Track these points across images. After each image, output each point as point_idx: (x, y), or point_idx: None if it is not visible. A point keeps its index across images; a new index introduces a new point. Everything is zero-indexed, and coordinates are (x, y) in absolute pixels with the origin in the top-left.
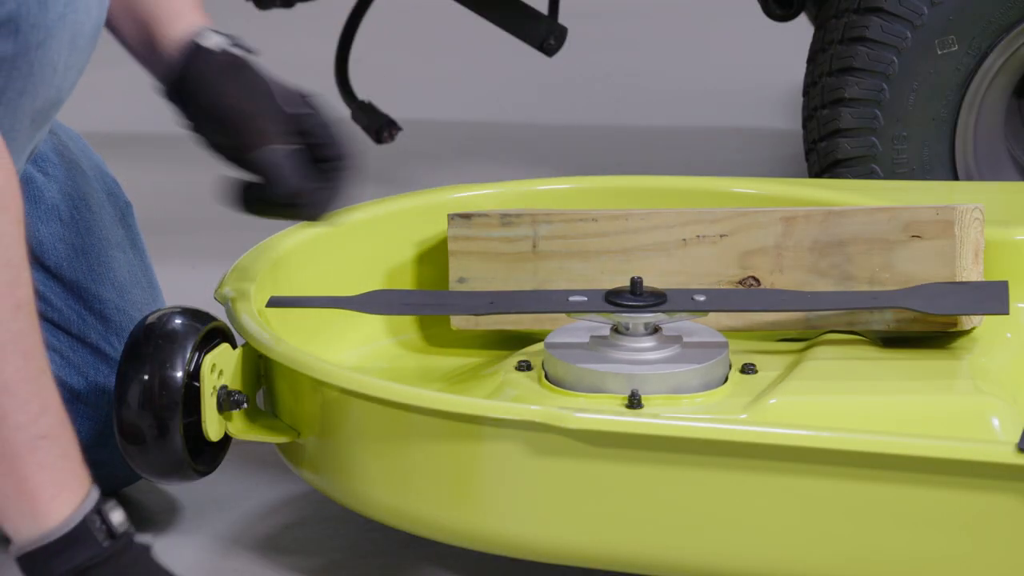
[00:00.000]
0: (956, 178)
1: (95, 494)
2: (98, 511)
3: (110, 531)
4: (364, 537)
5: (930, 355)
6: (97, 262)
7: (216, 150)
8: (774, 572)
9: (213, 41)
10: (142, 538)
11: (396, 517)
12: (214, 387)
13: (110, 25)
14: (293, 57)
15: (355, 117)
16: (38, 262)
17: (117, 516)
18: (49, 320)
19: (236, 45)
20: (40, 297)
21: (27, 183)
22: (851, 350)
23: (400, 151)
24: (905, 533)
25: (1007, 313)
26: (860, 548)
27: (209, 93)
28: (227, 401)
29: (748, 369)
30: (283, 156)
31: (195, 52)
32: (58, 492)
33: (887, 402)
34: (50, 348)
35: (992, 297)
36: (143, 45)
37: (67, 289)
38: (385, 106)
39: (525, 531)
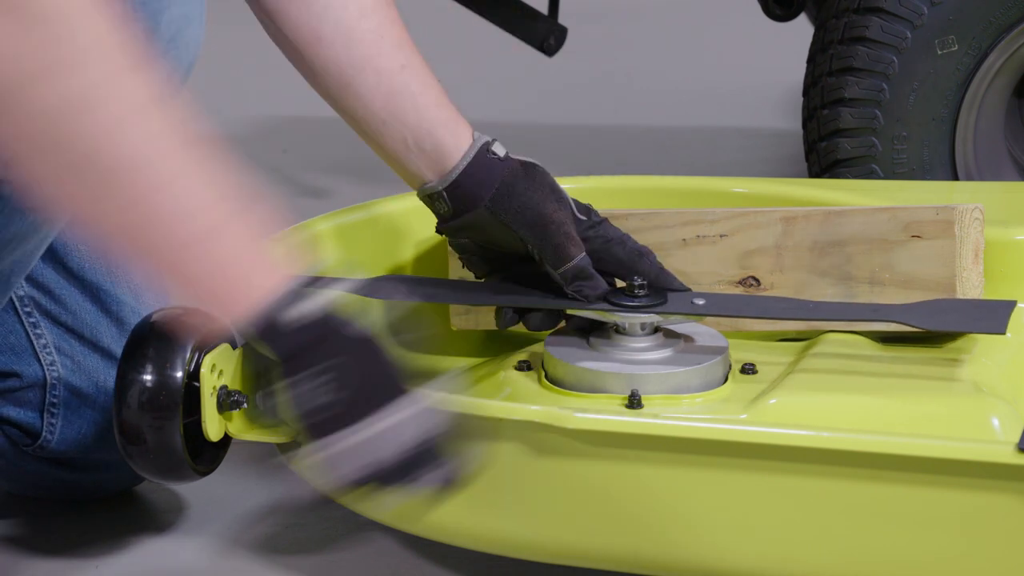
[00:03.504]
0: (956, 178)
1: (280, 292)
2: (291, 298)
3: (281, 345)
4: (364, 537)
5: (930, 355)
6: (115, 264)
7: (487, 248)
8: (774, 572)
9: (500, 148)
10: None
11: (396, 517)
12: (214, 387)
13: (373, 133)
14: None
15: None
16: (61, 264)
17: (307, 307)
18: (63, 324)
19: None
20: (57, 300)
21: None
22: (851, 350)
23: None
24: (905, 533)
25: (1003, 333)
26: (860, 548)
27: (504, 192)
28: (227, 401)
29: (748, 369)
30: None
31: (487, 158)
32: (250, 276)
33: (887, 402)
34: (62, 352)
35: (992, 316)
36: (419, 152)
37: (86, 291)
38: None
39: (525, 531)
